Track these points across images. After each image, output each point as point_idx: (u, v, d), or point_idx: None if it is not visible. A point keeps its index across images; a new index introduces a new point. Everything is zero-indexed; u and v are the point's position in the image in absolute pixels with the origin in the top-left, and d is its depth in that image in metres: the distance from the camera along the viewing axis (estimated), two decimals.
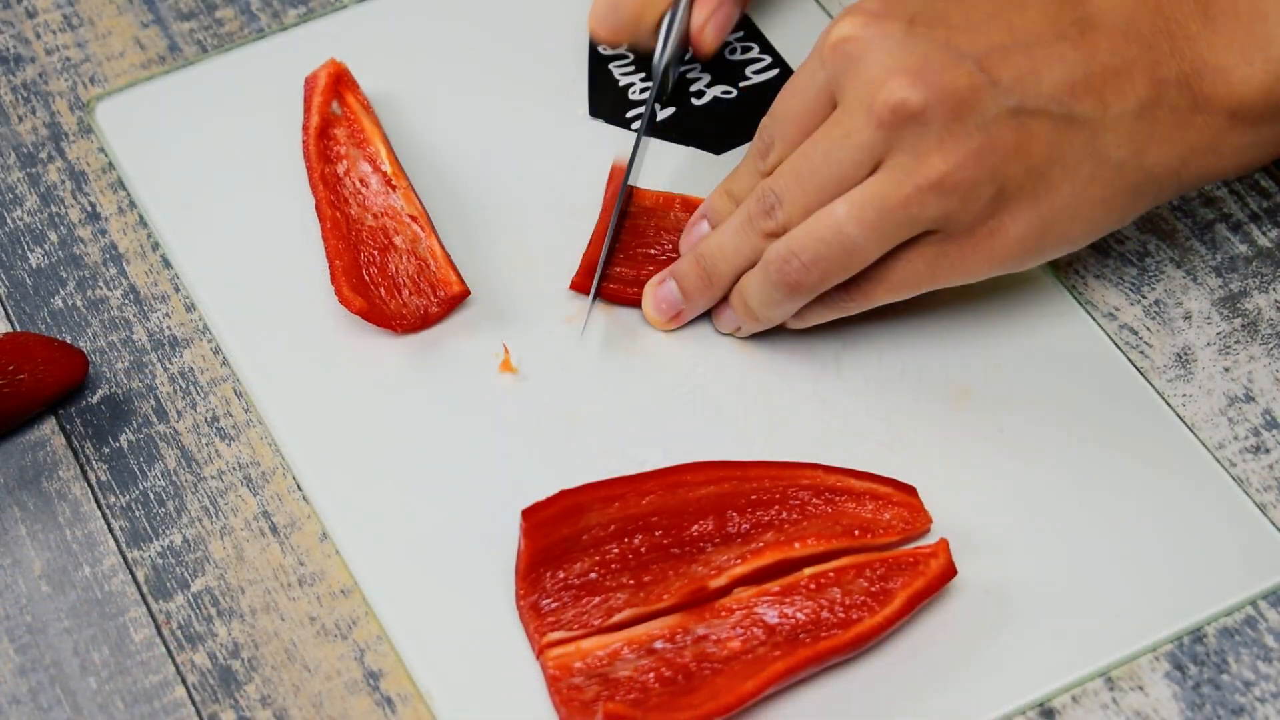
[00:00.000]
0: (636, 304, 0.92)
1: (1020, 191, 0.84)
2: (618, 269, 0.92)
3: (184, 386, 0.90)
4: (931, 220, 0.84)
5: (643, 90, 0.99)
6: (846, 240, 0.84)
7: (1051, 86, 0.83)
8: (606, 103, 0.99)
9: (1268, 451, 0.88)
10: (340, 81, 0.97)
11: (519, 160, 0.97)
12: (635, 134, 0.96)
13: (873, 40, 0.83)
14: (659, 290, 0.90)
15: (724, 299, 0.90)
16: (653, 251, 0.93)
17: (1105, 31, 0.84)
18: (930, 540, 0.85)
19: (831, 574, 0.83)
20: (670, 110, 0.98)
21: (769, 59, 1.00)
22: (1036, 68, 0.83)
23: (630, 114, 0.98)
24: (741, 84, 0.99)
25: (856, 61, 0.84)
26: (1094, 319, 0.92)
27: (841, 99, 0.84)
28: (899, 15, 0.84)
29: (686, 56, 0.99)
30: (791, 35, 1.01)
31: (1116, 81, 0.84)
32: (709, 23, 0.96)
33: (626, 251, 0.93)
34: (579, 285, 0.92)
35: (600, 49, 1.00)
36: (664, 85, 0.97)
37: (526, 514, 0.83)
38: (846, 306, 0.88)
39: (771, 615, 0.82)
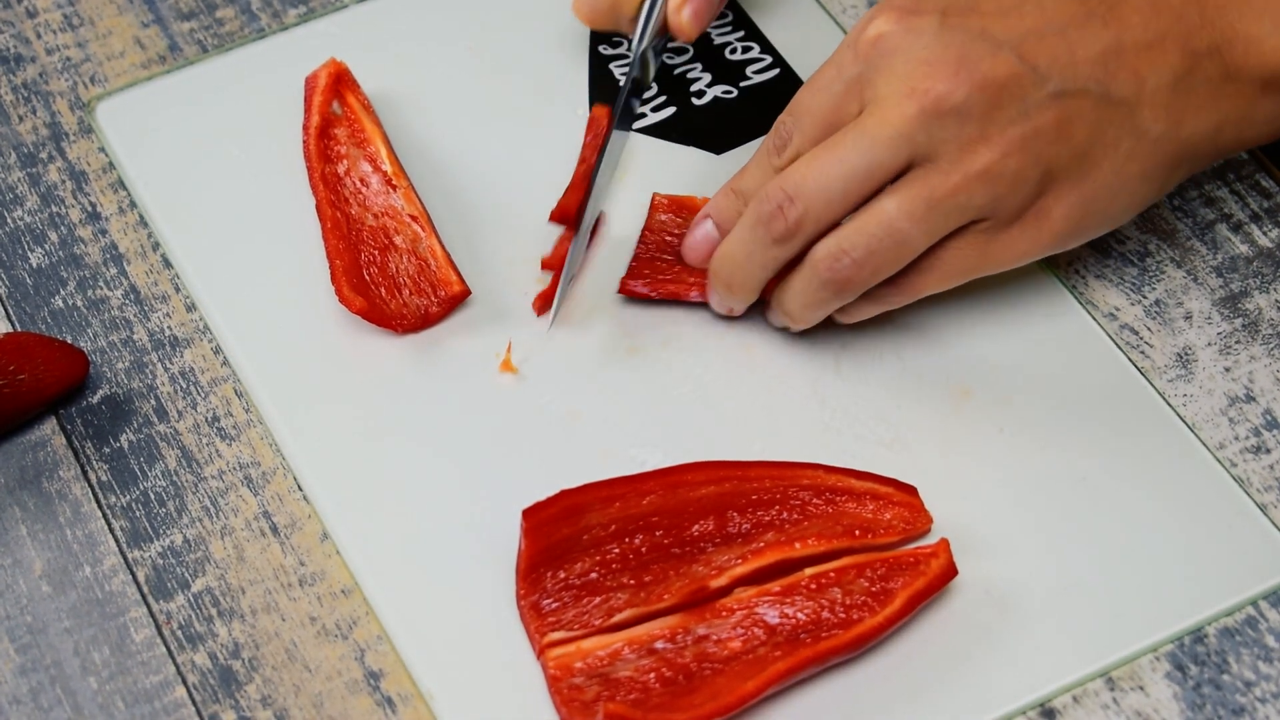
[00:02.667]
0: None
1: (1064, 173, 0.84)
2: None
3: (184, 386, 0.90)
4: (980, 209, 0.84)
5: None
6: (898, 234, 0.84)
7: (1088, 66, 0.84)
8: (607, 103, 0.99)
9: (1268, 451, 0.88)
10: (340, 81, 0.97)
11: (519, 160, 0.97)
12: (612, 125, 0.95)
13: (908, 35, 0.84)
14: (711, 295, 0.90)
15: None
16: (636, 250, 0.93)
17: (1134, 6, 0.85)
18: (931, 540, 0.85)
19: (832, 574, 0.83)
20: (670, 110, 0.98)
21: (769, 59, 1.00)
22: (1072, 49, 0.84)
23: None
24: (742, 84, 1.00)
25: (892, 56, 0.84)
26: (1095, 319, 0.92)
27: (875, 94, 0.84)
28: (930, 9, 0.84)
29: (671, 43, 0.98)
30: (791, 35, 1.01)
31: (1150, 55, 0.84)
32: (685, 5, 0.95)
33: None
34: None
35: (600, 49, 1.00)
36: (645, 71, 0.97)
37: (527, 514, 0.83)
38: (893, 300, 0.87)
39: (772, 615, 0.82)
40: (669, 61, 1.00)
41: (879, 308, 0.88)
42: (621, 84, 0.97)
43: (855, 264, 0.85)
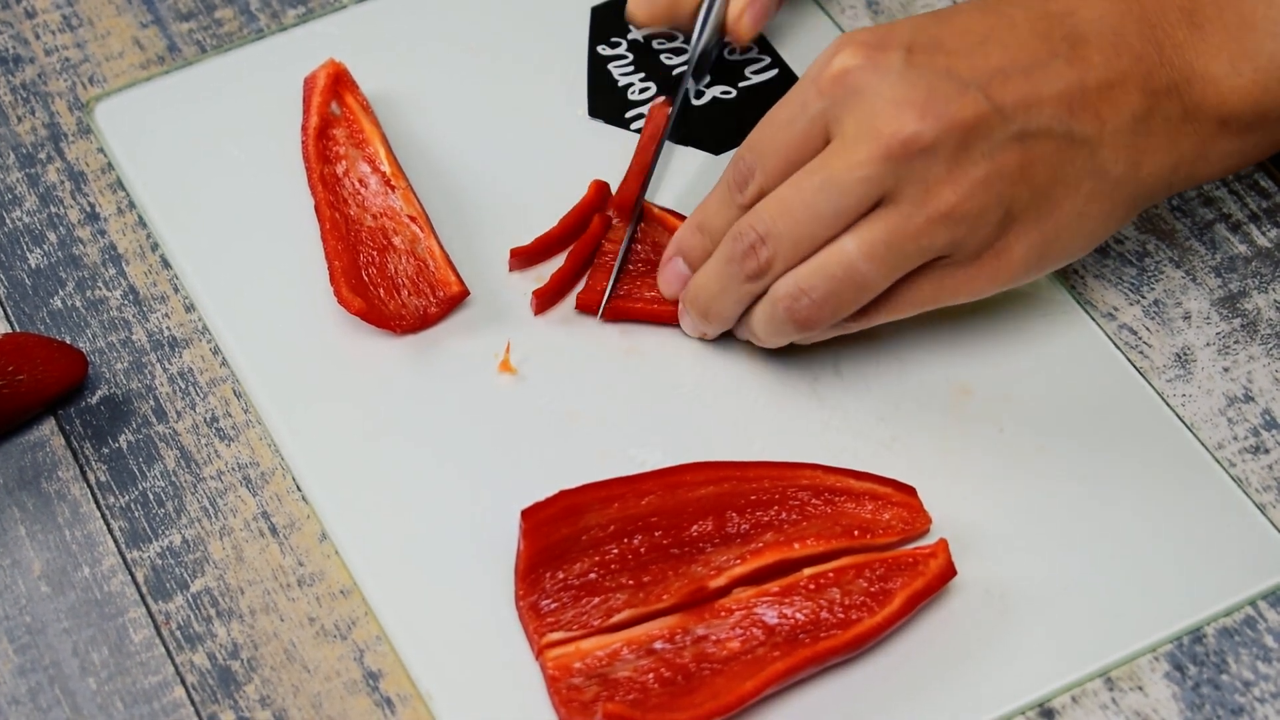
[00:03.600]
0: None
1: (1025, 213, 0.84)
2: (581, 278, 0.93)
3: (183, 387, 0.90)
4: (941, 249, 0.84)
5: (642, 90, 0.99)
6: (858, 276, 0.84)
7: (1052, 107, 0.83)
8: (606, 103, 0.99)
9: (1267, 451, 0.88)
10: (339, 82, 0.97)
11: (519, 160, 0.97)
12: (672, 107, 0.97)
13: (874, 72, 0.83)
14: (684, 320, 0.91)
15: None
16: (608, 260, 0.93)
17: (1096, 45, 0.84)
18: (930, 540, 0.85)
19: (831, 574, 0.83)
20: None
21: (768, 59, 1.00)
22: (1037, 89, 0.83)
23: (630, 114, 0.98)
24: (741, 84, 1.00)
25: (858, 94, 0.83)
26: (1093, 319, 0.92)
27: (840, 132, 0.83)
28: (896, 44, 0.84)
29: (725, 43, 0.99)
30: (791, 36, 1.01)
31: (1111, 95, 0.84)
32: (745, 12, 0.96)
33: (582, 261, 0.93)
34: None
35: (600, 49, 1.00)
36: (700, 70, 0.98)
37: (526, 514, 0.83)
38: (848, 327, 0.87)
39: (771, 615, 0.82)
40: (668, 62, 1.00)
41: (835, 333, 0.88)
42: (680, 78, 0.98)
43: (814, 304, 0.85)
